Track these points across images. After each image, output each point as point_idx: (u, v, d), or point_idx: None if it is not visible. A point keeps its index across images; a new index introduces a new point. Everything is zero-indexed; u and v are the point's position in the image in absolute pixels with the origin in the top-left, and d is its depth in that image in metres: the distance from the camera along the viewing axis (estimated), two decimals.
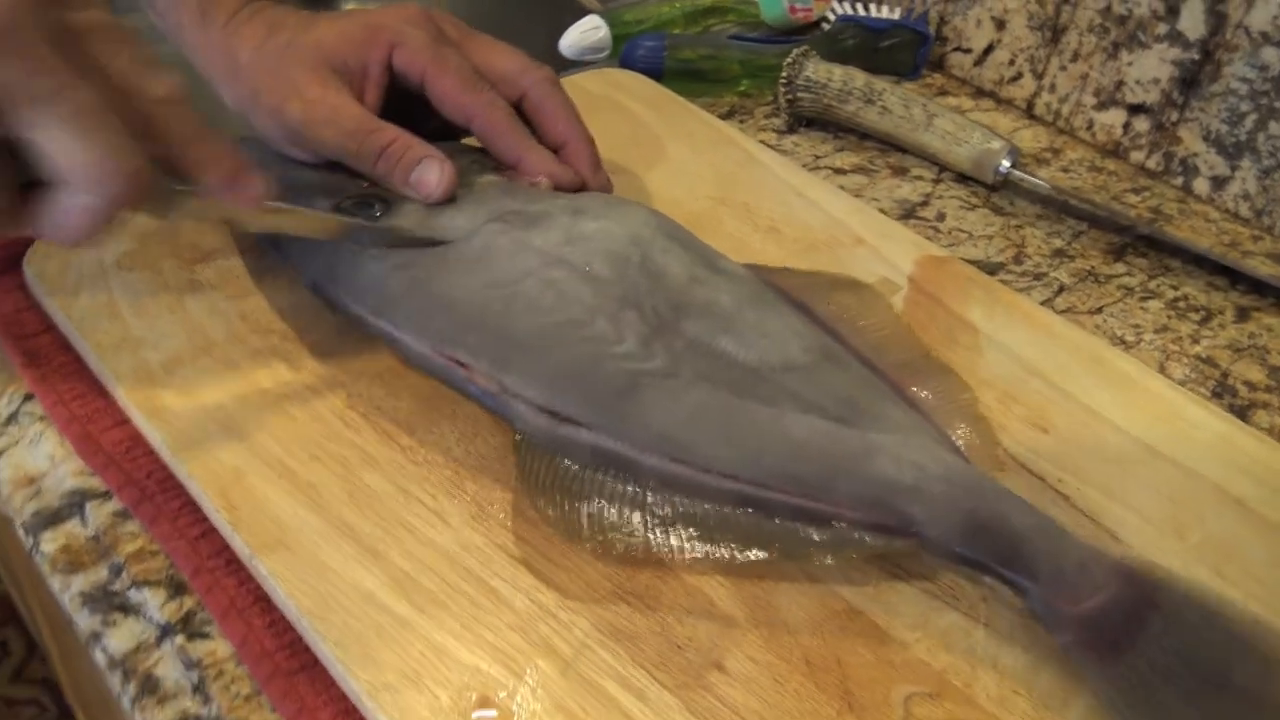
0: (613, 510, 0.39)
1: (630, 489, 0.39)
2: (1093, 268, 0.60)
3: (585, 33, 0.73)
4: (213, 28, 0.49)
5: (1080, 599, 0.36)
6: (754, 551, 0.38)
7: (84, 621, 0.38)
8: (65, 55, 0.32)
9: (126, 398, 0.42)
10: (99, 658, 0.37)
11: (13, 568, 1.23)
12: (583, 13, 0.75)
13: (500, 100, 0.49)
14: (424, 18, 0.50)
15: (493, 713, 0.33)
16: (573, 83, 0.66)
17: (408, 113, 0.50)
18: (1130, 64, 0.67)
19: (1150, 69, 0.66)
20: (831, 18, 0.77)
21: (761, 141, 0.64)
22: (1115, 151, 0.70)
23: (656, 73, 0.69)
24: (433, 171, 0.46)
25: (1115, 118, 0.69)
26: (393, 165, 0.46)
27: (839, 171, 0.66)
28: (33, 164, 0.32)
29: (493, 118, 0.48)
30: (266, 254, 0.49)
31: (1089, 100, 0.70)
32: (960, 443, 0.42)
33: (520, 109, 0.50)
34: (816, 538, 0.38)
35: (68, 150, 0.32)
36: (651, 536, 0.38)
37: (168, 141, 0.35)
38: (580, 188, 0.50)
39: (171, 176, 0.36)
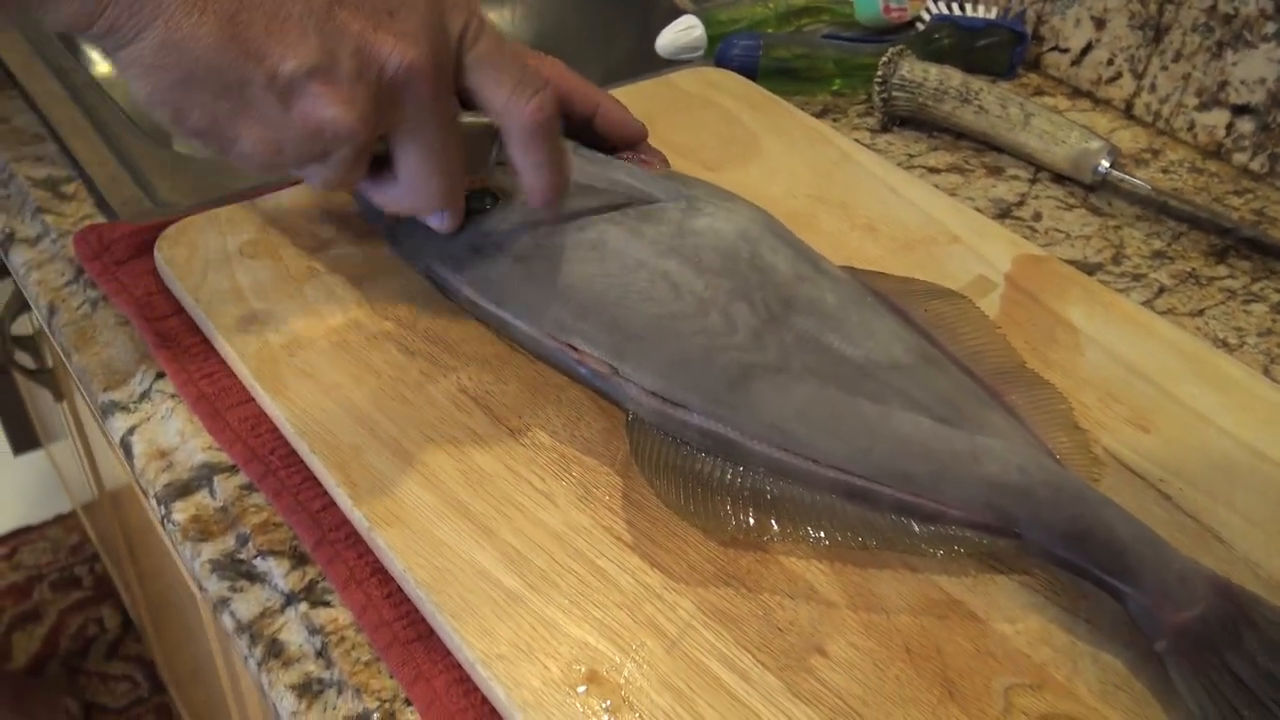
0: (722, 492, 0.40)
1: (739, 472, 0.40)
2: (1194, 270, 0.59)
3: (680, 32, 0.75)
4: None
5: (1180, 609, 0.36)
6: (859, 541, 0.39)
7: (213, 587, 0.40)
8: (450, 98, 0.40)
9: (251, 378, 0.44)
10: (227, 622, 0.40)
11: (115, 546, 1.29)
12: (678, 13, 0.76)
13: (560, 62, 0.50)
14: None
15: (601, 686, 0.35)
16: (668, 82, 0.67)
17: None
18: (1235, 64, 0.66)
19: (1256, 69, 0.65)
20: (926, 17, 0.77)
21: (856, 140, 0.64)
22: (1217, 153, 0.69)
23: (751, 72, 0.70)
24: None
25: (1218, 118, 0.68)
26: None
27: (933, 171, 0.66)
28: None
29: (562, 78, 0.49)
30: (381, 244, 0.51)
31: (1191, 101, 0.69)
32: (1058, 451, 0.42)
33: None
34: (920, 532, 0.39)
35: (411, 171, 0.41)
36: (759, 520, 0.39)
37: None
38: (643, 134, 0.52)
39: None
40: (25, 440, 1.62)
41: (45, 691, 1.41)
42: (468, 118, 0.44)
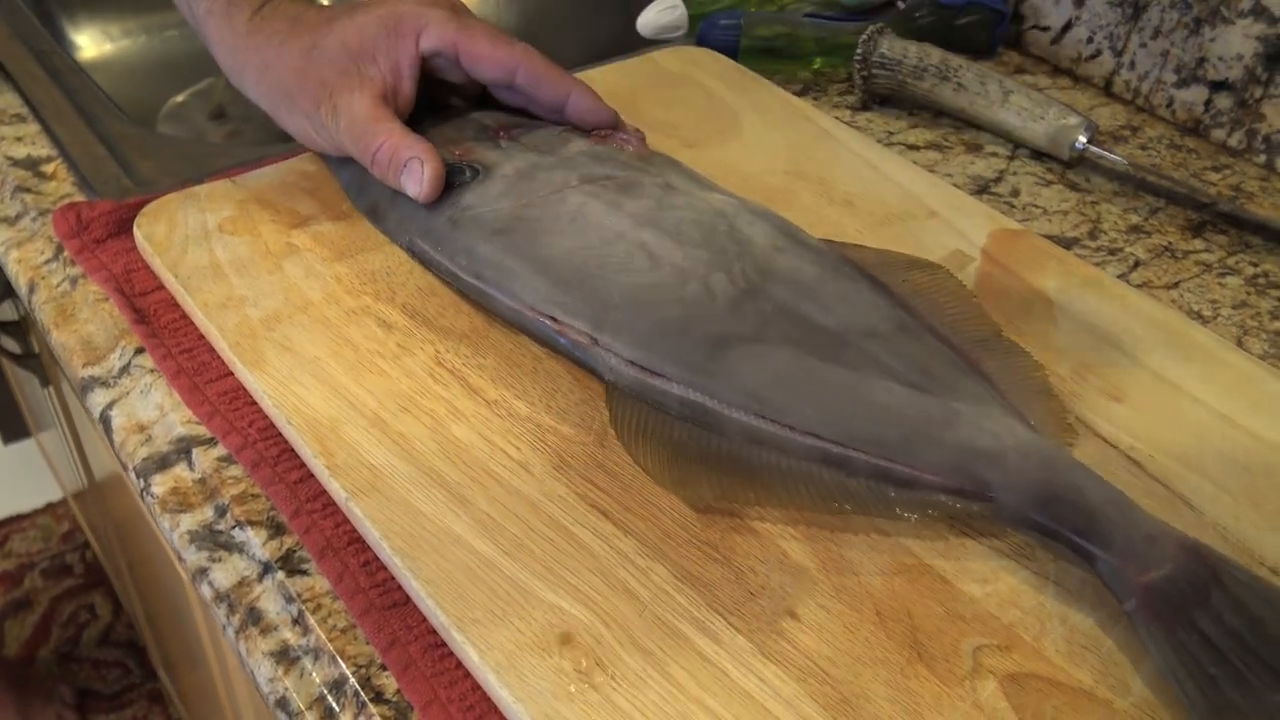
0: (700, 459, 0.40)
1: (717, 440, 0.40)
2: (1170, 244, 0.60)
3: (662, 11, 0.75)
4: (238, 23, 0.50)
5: (1148, 569, 0.37)
6: (834, 507, 0.39)
7: (191, 558, 0.40)
8: None
9: (230, 352, 0.45)
10: (205, 591, 0.40)
11: (105, 534, 1.29)
12: None
13: (533, 49, 0.51)
14: None
15: (574, 649, 0.35)
16: (650, 60, 0.67)
17: (444, 93, 0.52)
18: (1213, 40, 0.66)
19: (1234, 45, 0.66)
20: None
21: (836, 118, 0.65)
22: (1195, 129, 0.69)
23: (732, 50, 0.70)
24: (414, 174, 0.48)
25: (1196, 95, 0.69)
26: (385, 170, 0.48)
27: (912, 148, 0.66)
28: None
29: (533, 64, 0.50)
30: (360, 220, 0.51)
31: (1169, 77, 0.70)
32: (1032, 418, 0.43)
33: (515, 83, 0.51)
34: (895, 497, 0.39)
35: None
36: (737, 487, 0.39)
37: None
38: (614, 121, 0.52)
39: None
40: (15, 429, 1.62)
41: (39, 679, 1.42)
42: None
